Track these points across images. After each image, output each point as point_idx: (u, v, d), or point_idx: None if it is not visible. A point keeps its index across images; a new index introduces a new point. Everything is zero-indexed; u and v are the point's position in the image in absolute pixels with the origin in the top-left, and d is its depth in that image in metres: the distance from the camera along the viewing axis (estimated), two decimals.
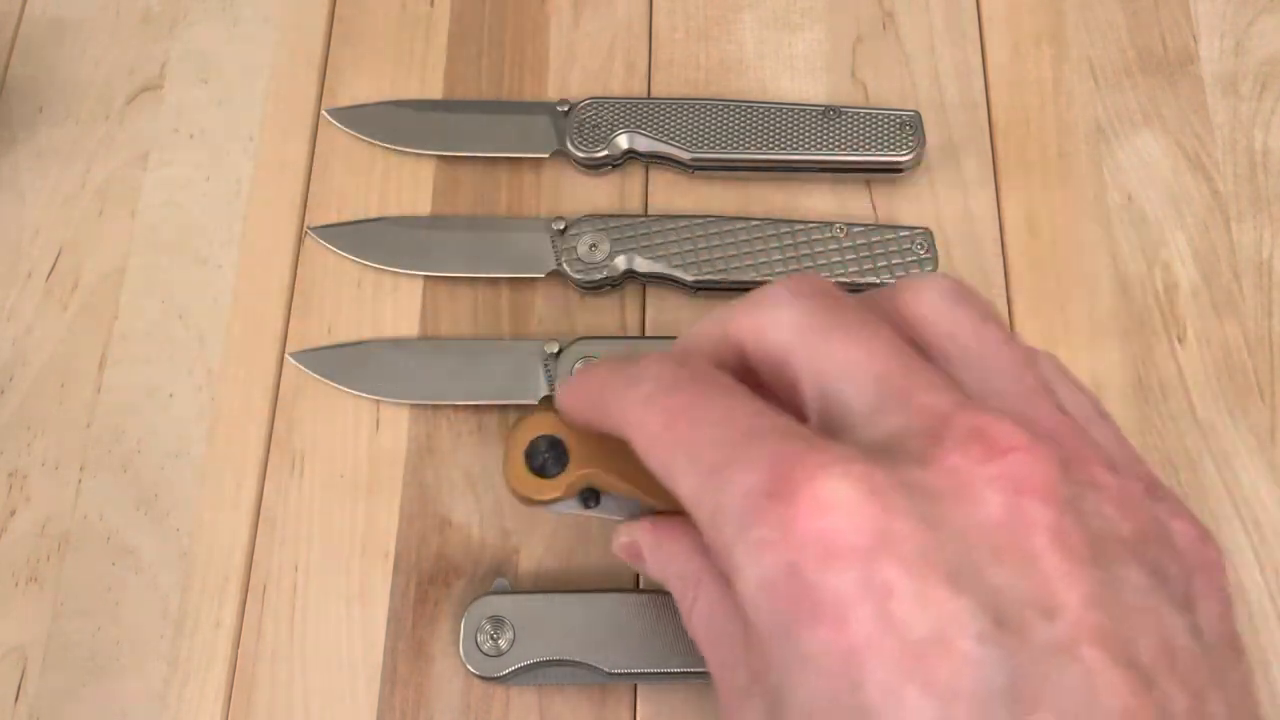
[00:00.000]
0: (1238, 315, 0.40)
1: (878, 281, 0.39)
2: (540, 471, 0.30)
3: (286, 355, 0.39)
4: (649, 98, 0.43)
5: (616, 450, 0.27)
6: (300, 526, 0.37)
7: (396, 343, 0.39)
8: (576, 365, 0.38)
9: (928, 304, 0.24)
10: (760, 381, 0.24)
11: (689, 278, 0.39)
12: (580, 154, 0.41)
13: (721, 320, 0.25)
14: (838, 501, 0.20)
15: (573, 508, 0.32)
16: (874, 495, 0.20)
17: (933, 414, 0.21)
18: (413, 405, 0.38)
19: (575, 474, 0.30)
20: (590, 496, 0.32)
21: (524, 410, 0.38)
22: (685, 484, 0.22)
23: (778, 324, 0.23)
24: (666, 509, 0.29)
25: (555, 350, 0.38)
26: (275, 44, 0.44)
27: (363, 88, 0.43)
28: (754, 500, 0.20)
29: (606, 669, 0.33)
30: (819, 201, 0.42)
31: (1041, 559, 0.19)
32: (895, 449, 0.21)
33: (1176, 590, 0.21)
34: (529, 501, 0.31)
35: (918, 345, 0.24)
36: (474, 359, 0.39)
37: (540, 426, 0.31)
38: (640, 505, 0.30)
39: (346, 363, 0.39)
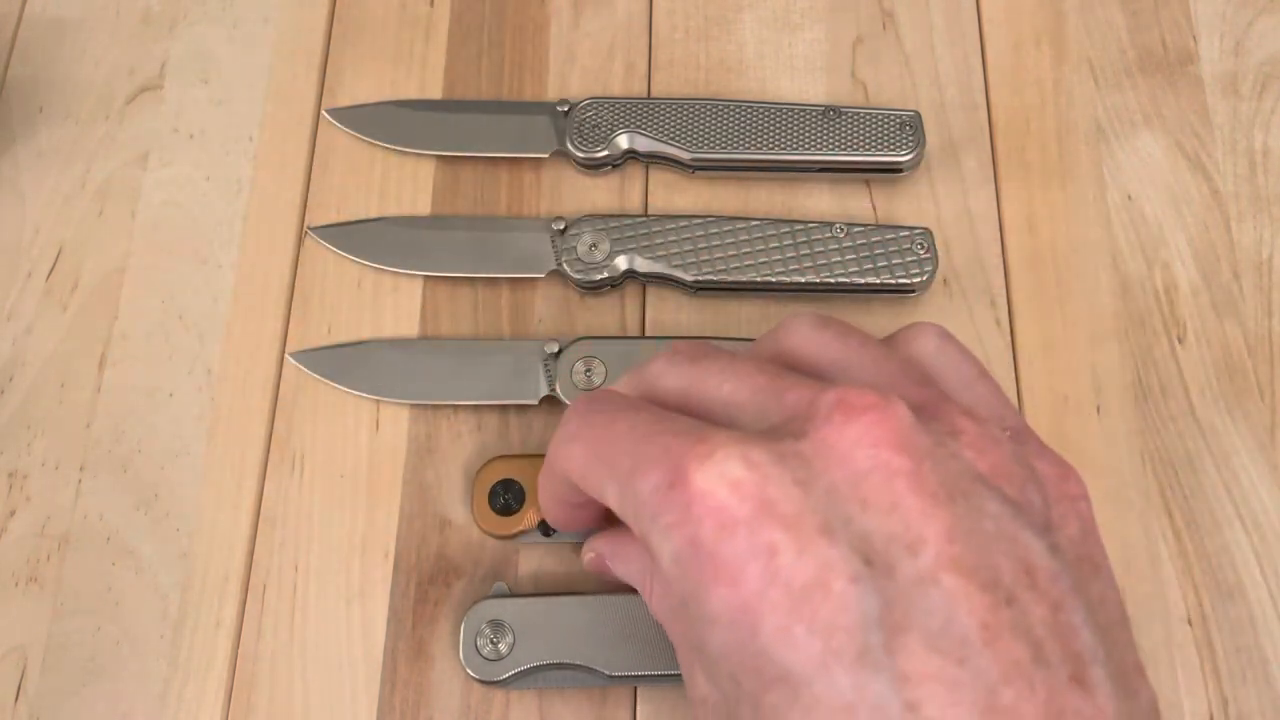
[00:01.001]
0: (1238, 315, 0.40)
1: (877, 281, 0.39)
2: (503, 510, 0.36)
3: (286, 355, 0.39)
4: (649, 98, 0.43)
5: None
6: (300, 526, 0.37)
7: (396, 343, 0.39)
8: (576, 365, 0.38)
9: (798, 334, 0.28)
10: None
11: (689, 278, 0.39)
12: (580, 154, 0.41)
13: (628, 383, 0.29)
14: (723, 481, 0.23)
15: (535, 538, 0.36)
16: (753, 470, 0.23)
17: (802, 401, 0.25)
18: (413, 405, 0.38)
19: (532, 508, 0.36)
20: (548, 527, 0.36)
21: (524, 410, 0.38)
22: (611, 495, 0.26)
23: (666, 376, 0.28)
24: (613, 524, 0.32)
25: (555, 350, 0.38)
26: (275, 44, 0.44)
27: (363, 88, 0.43)
28: (659, 494, 0.24)
29: (607, 672, 0.33)
30: (819, 201, 0.42)
31: (903, 502, 0.22)
32: (777, 433, 0.24)
33: (1036, 517, 0.24)
34: (497, 537, 0.36)
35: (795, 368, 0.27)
36: (474, 359, 0.39)
37: (499, 472, 0.36)
38: (591, 526, 0.32)
39: (346, 363, 0.39)
